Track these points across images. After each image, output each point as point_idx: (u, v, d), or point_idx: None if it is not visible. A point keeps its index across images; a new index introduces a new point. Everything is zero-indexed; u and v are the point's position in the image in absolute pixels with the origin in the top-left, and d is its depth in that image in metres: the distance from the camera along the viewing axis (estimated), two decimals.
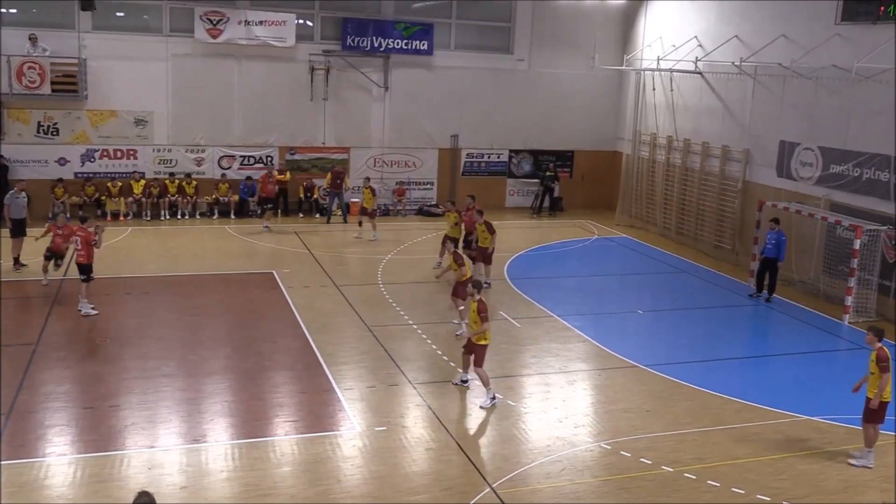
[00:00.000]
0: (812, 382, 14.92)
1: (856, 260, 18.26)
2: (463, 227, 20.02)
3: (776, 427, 12.73)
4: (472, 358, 13.27)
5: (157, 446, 11.21)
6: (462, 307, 15.90)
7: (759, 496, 10.55)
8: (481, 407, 12.92)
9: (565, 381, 14.29)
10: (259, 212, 25.81)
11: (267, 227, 24.73)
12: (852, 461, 11.62)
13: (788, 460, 11.63)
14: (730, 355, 16.14)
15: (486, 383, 13.08)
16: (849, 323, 18.16)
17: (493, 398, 13.03)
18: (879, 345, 11.67)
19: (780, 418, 13.04)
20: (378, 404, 12.96)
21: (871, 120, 19.17)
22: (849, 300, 18.36)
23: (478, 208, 19.60)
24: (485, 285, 19.16)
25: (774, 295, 19.58)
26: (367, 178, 25.68)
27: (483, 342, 13.12)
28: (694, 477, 10.96)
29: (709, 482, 10.83)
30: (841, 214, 19.50)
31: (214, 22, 25.37)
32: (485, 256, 19.11)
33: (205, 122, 26.19)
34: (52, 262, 17.86)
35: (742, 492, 10.64)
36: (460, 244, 19.41)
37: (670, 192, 26.57)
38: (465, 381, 13.68)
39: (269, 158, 27.04)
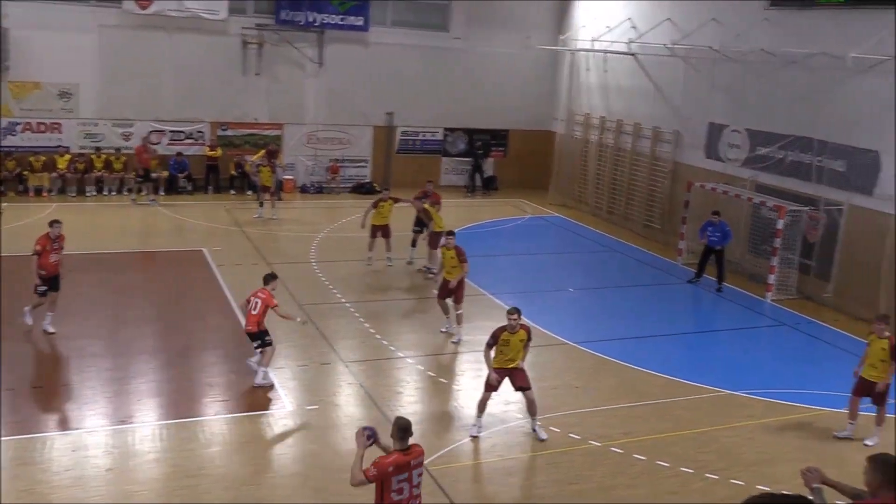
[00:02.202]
0: (735, 358, 15.35)
1: (779, 240, 18.80)
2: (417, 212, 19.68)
3: (700, 402, 13.09)
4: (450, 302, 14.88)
5: (82, 428, 11.00)
6: (461, 311, 15.26)
7: (682, 468, 10.85)
8: (453, 342, 14.85)
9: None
10: (139, 189, 24.57)
11: (153, 200, 24.22)
12: (868, 441, 11.78)
13: (711, 433, 11.98)
14: (657, 332, 16.49)
15: (459, 321, 14.92)
16: (771, 301, 18.72)
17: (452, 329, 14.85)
18: (889, 334, 11.83)
19: (703, 393, 13.41)
20: (310, 383, 12.92)
21: (796, 103, 19.68)
22: (772, 278, 18.91)
23: (423, 193, 19.61)
24: (424, 269, 19.18)
25: (704, 276, 19.85)
26: (269, 155, 24.80)
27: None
28: (621, 451, 11.21)
29: (635, 456, 11.09)
30: (766, 195, 20.03)
31: None
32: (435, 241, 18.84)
33: (133, 95, 25.51)
34: None
35: (667, 465, 10.93)
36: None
37: (602, 172, 26.92)
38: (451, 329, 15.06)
39: (199, 134, 26.53)
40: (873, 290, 17.41)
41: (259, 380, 12.54)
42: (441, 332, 15.42)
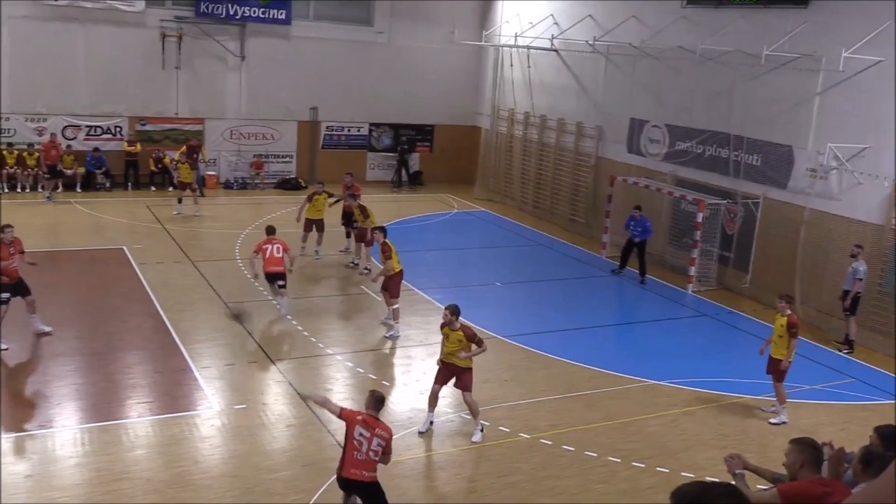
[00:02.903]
0: (659, 348, 15.71)
1: (699, 232, 19.29)
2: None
3: (626, 392, 13.37)
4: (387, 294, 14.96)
5: None
6: (396, 305, 15.23)
7: (610, 458, 11.06)
8: (385, 336, 14.93)
9: (426, 353, 14.44)
10: (55, 187, 24.03)
11: (49, 197, 23.47)
12: (772, 420, 12.43)
13: (637, 423, 12.25)
14: (584, 325, 16.77)
15: (395, 317, 14.99)
16: (692, 292, 19.21)
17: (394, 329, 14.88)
18: (790, 312, 12.52)
19: (629, 383, 13.69)
20: (237, 382, 12.72)
21: (713, 99, 20.23)
22: (692, 270, 19.41)
23: (345, 187, 19.72)
24: (351, 265, 19.08)
25: (628, 268, 20.25)
26: (190, 150, 24.93)
27: (393, 274, 14.86)
28: (550, 442, 11.36)
29: (563, 447, 11.26)
30: (686, 189, 20.53)
31: None
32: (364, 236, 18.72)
33: (46, 89, 24.66)
34: None
35: (595, 455, 11.12)
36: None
37: (527, 167, 27.19)
38: (389, 328, 15.12)
39: (117, 129, 25.81)
40: (789, 280, 18.02)
41: (285, 311, 15.37)
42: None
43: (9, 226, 13.53)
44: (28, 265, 13.89)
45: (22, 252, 13.72)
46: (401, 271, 15.36)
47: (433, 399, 11.55)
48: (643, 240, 19.66)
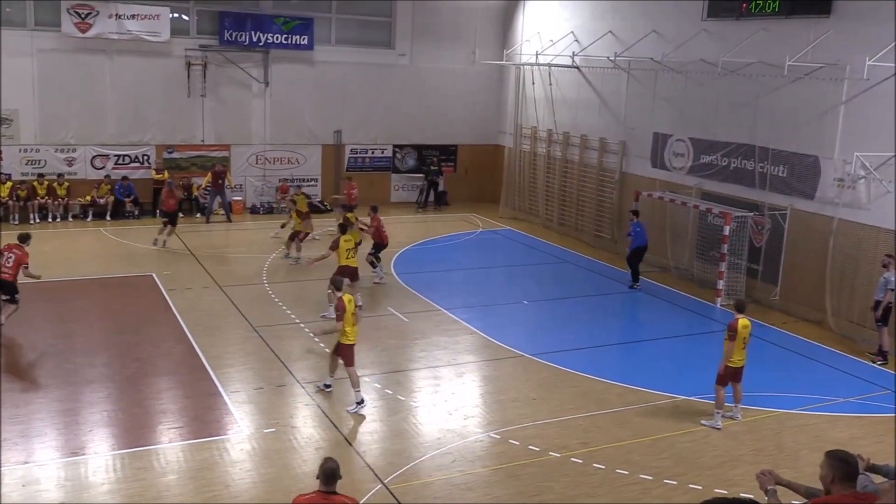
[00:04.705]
0: (689, 364, 15.56)
1: (726, 245, 19.13)
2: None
3: (656, 408, 13.24)
4: (339, 360, 12.87)
5: (31, 461, 10.70)
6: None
7: (641, 476, 10.95)
8: (348, 411, 12.52)
9: (454, 373, 14.44)
10: (167, 233, 22.20)
11: (156, 241, 22.09)
12: (703, 421, 12.55)
13: (668, 440, 12.12)
14: (611, 341, 16.66)
15: (354, 384, 12.64)
16: (721, 306, 19.02)
17: (360, 402, 12.56)
18: (738, 316, 12.53)
19: (659, 400, 13.57)
20: (266, 406, 12.77)
21: (737, 111, 20.13)
22: (720, 284, 19.24)
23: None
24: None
25: (645, 279, 20.34)
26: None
27: (346, 341, 12.62)
28: (580, 461, 11.28)
29: (594, 465, 11.17)
30: (711, 202, 20.40)
31: (83, 16, 24.33)
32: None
33: (75, 120, 25.09)
34: None
35: (626, 472, 11.02)
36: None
37: (551, 184, 27.17)
38: (329, 386, 13.19)
39: (145, 157, 26.17)
40: (819, 291, 17.81)
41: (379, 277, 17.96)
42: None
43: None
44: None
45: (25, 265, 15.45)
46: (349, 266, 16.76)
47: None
48: (638, 246, 19.72)
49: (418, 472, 10.86)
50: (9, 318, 15.22)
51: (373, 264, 19.41)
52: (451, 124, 29.99)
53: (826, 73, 17.43)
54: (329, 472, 7.03)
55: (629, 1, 23.51)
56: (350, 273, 16.65)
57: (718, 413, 12.56)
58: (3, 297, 15.31)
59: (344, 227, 17.63)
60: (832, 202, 17.71)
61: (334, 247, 16.83)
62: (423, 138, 29.90)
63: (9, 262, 15.22)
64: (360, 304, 16.65)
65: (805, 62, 17.57)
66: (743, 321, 12.54)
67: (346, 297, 12.62)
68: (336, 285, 13.24)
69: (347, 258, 16.86)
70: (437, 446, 11.60)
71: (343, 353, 12.71)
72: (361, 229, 19.25)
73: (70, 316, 16.59)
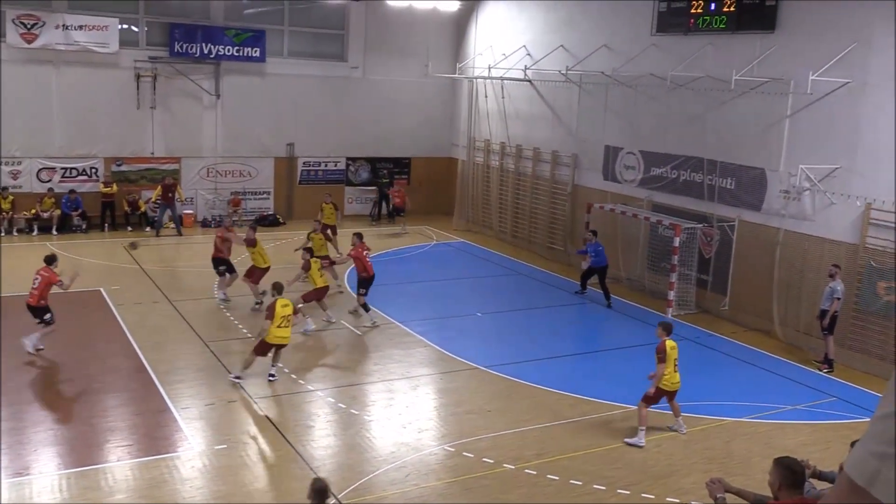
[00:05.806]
0: (640, 374, 15.63)
1: (676, 256, 19.40)
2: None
3: (609, 418, 13.34)
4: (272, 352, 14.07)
5: None
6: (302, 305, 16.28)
7: (595, 486, 11.02)
8: (228, 378, 13.92)
9: (408, 386, 14.40)
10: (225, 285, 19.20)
11: (223, 295, 18.99)
12: (626, 439, 12.46)
13: (621, 450, 12.21)
14: (566, 352, 16.76)
15: (245, 366, 13.92)
16: (672, 316, 19.21)
17: (239, 378, 13.81)
18: (665, 338, 12.67)
19: (612, 410, 13.67)
20: (217, 422, 12.59)
21: (686, 125, 20.47)
22: (671, 294, 19.49)
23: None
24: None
25: (594, 290, 20.56)
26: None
27: (268, 339, 13.83)
28: (534, 472, 11.31)
29: (548, 476, 11.20)
30: (662, 214, 20.69)
31: (29, 26, 23.88)
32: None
33: (20, 132, 24.54)
34: None
35: (580, 483, 11.07)
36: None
37: (505, 197, 27.31)
38: (273, 376, 14.12)
39: (93, 170, 25.72)
40: (766, 301, 18.14)
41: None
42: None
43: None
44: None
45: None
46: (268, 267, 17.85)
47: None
48: (600, 266, 19.85)
49: (372, 487, 10.79)
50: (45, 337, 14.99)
51: (365, 307, 17.42)
52: (405, 137, 30.00)
53: (771, 87, 17.82)
54: (320, 489, 7.16)
55: (581, 15, 23.82)
56: (325, 292, 17.38)
57: (642, 430, 12.43)
58: (35, 321, 14.86)
59: (311, 251, 18.24)
60: (778, 214, 18.08)
61: (306, 268, 17.08)
62: (377, 151, 29.86)
63: (34, 285, 14.80)
64: (332, 319, 17.51)
65: (751, 77, 17.94)
66: (670, 342, 12.67)
67: (281, 302, 13.90)
68: (276, 289, 14.40)
69: (322, 277, 17.30)
70: (391, 460, 11.54)
71: (260, 346, 13.91)
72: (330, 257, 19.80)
73: (15, 333, 16.16)
